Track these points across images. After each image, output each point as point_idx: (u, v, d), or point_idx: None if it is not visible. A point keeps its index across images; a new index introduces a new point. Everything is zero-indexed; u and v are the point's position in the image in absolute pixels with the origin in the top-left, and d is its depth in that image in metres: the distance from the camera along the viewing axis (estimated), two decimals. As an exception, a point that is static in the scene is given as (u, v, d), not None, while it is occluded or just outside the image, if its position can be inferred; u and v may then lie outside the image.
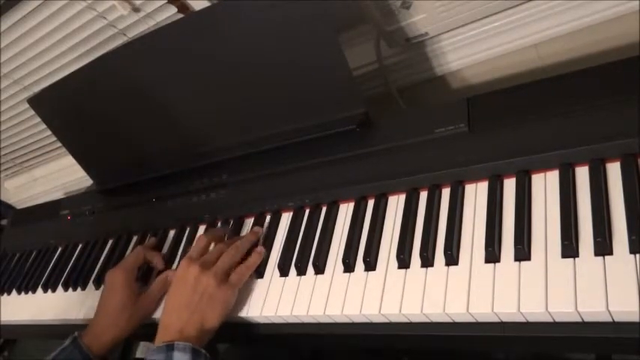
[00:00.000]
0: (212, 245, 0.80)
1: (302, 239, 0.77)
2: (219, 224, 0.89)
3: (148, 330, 0.78)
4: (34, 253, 1.17)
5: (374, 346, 0.74)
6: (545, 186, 0.63)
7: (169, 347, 0.66)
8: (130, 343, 0.83)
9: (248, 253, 0.78)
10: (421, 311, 0.60)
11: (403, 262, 0.66)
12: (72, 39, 1.05)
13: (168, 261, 0.89)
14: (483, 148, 0.67)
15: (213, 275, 0.71)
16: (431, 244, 0.65)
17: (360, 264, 0.69)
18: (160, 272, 0.86)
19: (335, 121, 0.80)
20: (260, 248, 0.78)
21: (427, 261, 0.64)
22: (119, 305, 0.80)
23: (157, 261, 0.88)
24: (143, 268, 0.88)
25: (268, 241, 0.80)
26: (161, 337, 0.69)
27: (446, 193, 0.69)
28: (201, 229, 0.90)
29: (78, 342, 0.78)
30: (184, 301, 0.70)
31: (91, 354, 0.78)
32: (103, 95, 0.98)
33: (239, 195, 0.88)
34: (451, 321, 0.60)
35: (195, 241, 0.81)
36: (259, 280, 0.77)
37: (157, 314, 0.82)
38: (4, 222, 1.52)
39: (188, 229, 0.92)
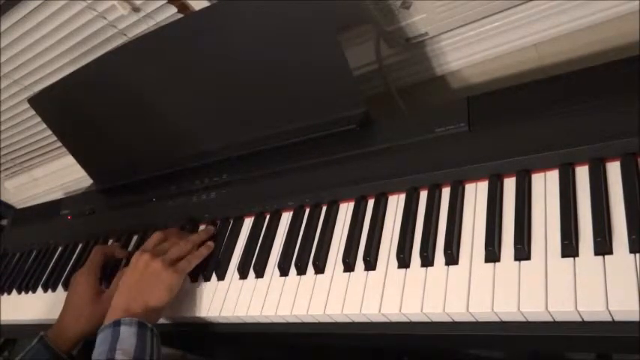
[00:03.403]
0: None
1: (302, 239, 0.77)
2: (219, 223, 0.89)
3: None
4: (34, 252, 1.17)
5: (374, 345, 0.75)
6: (545, 185, 0.63)
7: (116, 323, 0.71)
8: (91, 343, 0.86)
9: None
10: (421, 310, 0.60)
11: (403, 262, 0.66)
12: (72, 39, 1.05)
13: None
14: (483, 147, 0.68)
15: (161, 260, 0.77)
16: (431, 244, 0.65)
17: (360, 263, 0.69)
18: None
19: (335, 121, 0.80)
20: (210, 242, 0.84)
21: (427, 260, 0.64)
22: (80, 303, 0.85)
23: (118, 252, 0.94)
24: (110, 267, 0.94)
25: (268, 241, 0.80)
26: (109, 317, 0.74)
27: (446, 192, 0.69)
28: (202, 229, 0.90)
29: (44, 340, 0.82)
30: (132, 283, 0.76)
31: (57, 349, 0.82)
32: (102, 95, 0.98)
33: (239, 195, 0.88)
34: (451, 320, 0.60)
35: (151, 237, 0.84)
36: (259, 279, 0.77)
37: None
38: (4, 222, 1.52)
39: (188, 229, 0.92)
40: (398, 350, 0.93)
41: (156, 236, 0.83)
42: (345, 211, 0.77)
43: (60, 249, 1.12)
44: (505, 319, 0.57)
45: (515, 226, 0.61)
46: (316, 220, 0.78)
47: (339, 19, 0.79)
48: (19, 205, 1.70)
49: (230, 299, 0.77)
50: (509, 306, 0.56)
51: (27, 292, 1.08)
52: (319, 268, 0.72)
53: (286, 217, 0.82)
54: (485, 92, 0.73)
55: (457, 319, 0.60)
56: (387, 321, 0.64)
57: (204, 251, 0.83)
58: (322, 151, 0.81)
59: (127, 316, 0.72)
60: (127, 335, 0.69)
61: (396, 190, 0.73)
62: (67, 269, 1.04)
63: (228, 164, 0.91)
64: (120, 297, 0.76)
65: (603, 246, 0.54)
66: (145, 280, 0.76)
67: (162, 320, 0.81)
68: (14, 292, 1.11)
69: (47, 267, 1.10)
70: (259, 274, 0.77)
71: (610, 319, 0.52)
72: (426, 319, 0.61)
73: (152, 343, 0.71)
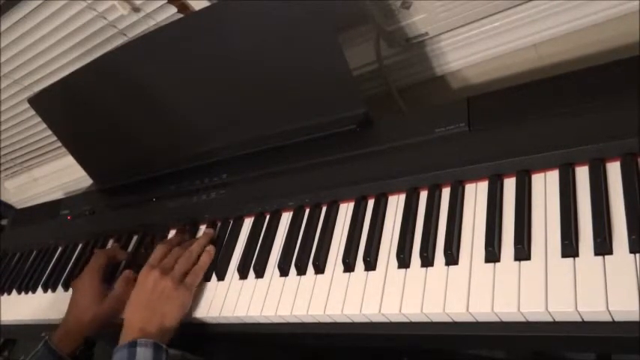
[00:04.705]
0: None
1: (302, 239, 0.77)
2: (210, 228, 0.89)
3: (115, 329, 0.80)
4: (34, 253, 1.17)
5: (374, 345, 0.75)
6: (545, 186, 0.63)
7: (132, 344, 0.71)
8: (91, 344, 0.86)
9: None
10: (421, 311, 0.60)
11: (403, 262, 0.66)
12: (72, 39, 1.05)
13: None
14: (483, 147, 0.67)
15: (171, 278, 0.78)
16: (431, 244, 0.65)
17: (360, 264, 0.69)
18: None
19: (335, 121, 0.80)
20: (210, 247, 0.84)
21: (427, 261, 0.64)
22: (83, 306, 0.86)
23: (120, 254, 0.95)
24: (109, 270, 0.93)
25: (268, 241, 0.80)
26: (125, 336, 0.74)
27: (446, 192, 0.69)
28: (202, 228, 0.90)
29: (48, 344, 0.82)
30: (145, 303, 0.76)
31: (61, 352, 0.82)
32: (102, 95, 0.98)
33: (239, 195, 0.88)
34: (451, 321, 0.60)
35: (155, 250, 0.84)
36: (259, 279, 0.77)
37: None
38: (4, 222, 1.52)
39: (188, 229, 0.92)
40: (398, 350, 0.93)
41: (160, 250, 0.84)
42: (345, 211, 0.77)
43: (60, 249, 1.12)
44: (505, 319, 0.57)
45: (515, 226, 0.61)
46: (316, 220, 0.78)
47: (339, 19, 0.79)
48: (19, 205, 1.70)
49: (230, 299, 0.77)
50: (509, 306, 0.56)
51: (27, 292, 1.08)
52: (319, 269, 0.72)
53: (286, 217, 0.82)
54: (485, 92, 0.73)
55: (457, 319, 0.60)
56: (387, 321, 0.64)
57: (207, 259, 0.83)
58: (322, 152, 0.81)
59: (143, 336, 0.72)
60: (143, 357, 0.70)
61: (396, 190, 0.73)
62: (67, 269, 1.04)
63: (228, 164, 0.91)
64: (133, 316, 0.76)
65: (603, 246, 0.54)
66: (156, 299, 0.76)
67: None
68: (14, 292, 1.11)
69: (47, 267, 1.10)
70: (259, 274, 0.77)
71: (610, 320, 0.52)
72: (426, 320, 0.61)
73: None
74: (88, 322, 0.84)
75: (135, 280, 0.89)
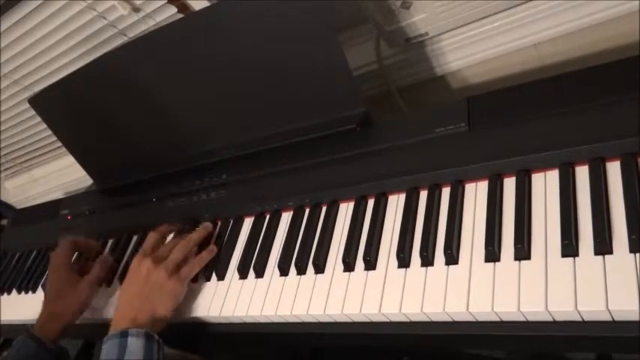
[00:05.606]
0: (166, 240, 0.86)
1: (302, 239, 0.77)
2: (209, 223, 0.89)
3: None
4: (34, 253, 1.17)
5: (374, 345, 0.75)
6: (545, 185, 0.63)
7: (123, 334, 0.71)
8: (91, 344, 0.86)
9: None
10: (421, 310, 0.60)
11: (403, 262, 0.66)
12: (72, 39, 1.06)
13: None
14: (483, 147, 0.67)
15: (164, 268, 0.77)
16: (431, 244, 0.65)
17: (360, 263, 0.69)
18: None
19: (335, 121, 0.80)
20: (212, 246, 0.83)
21: (427, 260, 0.64)
22: (58, 292, 0.87)
23: (88, 243, 0.97)
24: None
25: (268, 241, 0.80)
26: (115, 325, 0.74)
27: (446, 192, 0.69)
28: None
29: (30, 332, 0.83)
30: (137, 292, 0.76)
31: (42, 339, 0.82)
32: (102, 95, 0.98)
33: (239, 195, 0.88)
34: (451, 320, 0.60)
35: (147, 238, 0.84)
36: (259, 279, 0.77)
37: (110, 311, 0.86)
38: (4, 222, 1.52)
39: (187, 229, 0.92)
40: (398, 350, 0.93)
41: (153, 237, 0.83)
42: (345, 211, 0.76)
43: (60, 249, 1.12)
44: (505, 318, 0.57)
45: (515, 225, 0.61)
46: (316, 220, 0.78)
47: (339, 19, 0.79)
48: (19, 205, 1.70)
49: (230, 299, 0.77)
50: (509, 306, 0.56)
51: (27, 292, 1.08)
52: (319, 268, 0.72)
53: (286, 217, 0.82)
54: (485, 92, 0.73)
55: (457, 318, 0.60)
56: (387, 321, 0.64)
57: (206, 256, 0.82)
58: (322, 151, 0.81)
59: (134, 326, 0.72)
60: (135, 348, 0.69)
61: (396, 190, 0.73)
62: (67, 269, 1.04)
63: (228, 164, 0.91)
64: (125, 306, 0.76)
65: (603, 246, 0.54)
66: (148, 289, 0.75)
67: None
68: (14, 292, 1.11)
69: (47, 267, 1.09)
70: (259, 274, 0.77)
71: (610, 319, 0.52)
72: (426, 319, 0.61)
73: (158, 355, 0.71)
74: (65, 306, 0.85)
75: (112, 266, 0.91)
